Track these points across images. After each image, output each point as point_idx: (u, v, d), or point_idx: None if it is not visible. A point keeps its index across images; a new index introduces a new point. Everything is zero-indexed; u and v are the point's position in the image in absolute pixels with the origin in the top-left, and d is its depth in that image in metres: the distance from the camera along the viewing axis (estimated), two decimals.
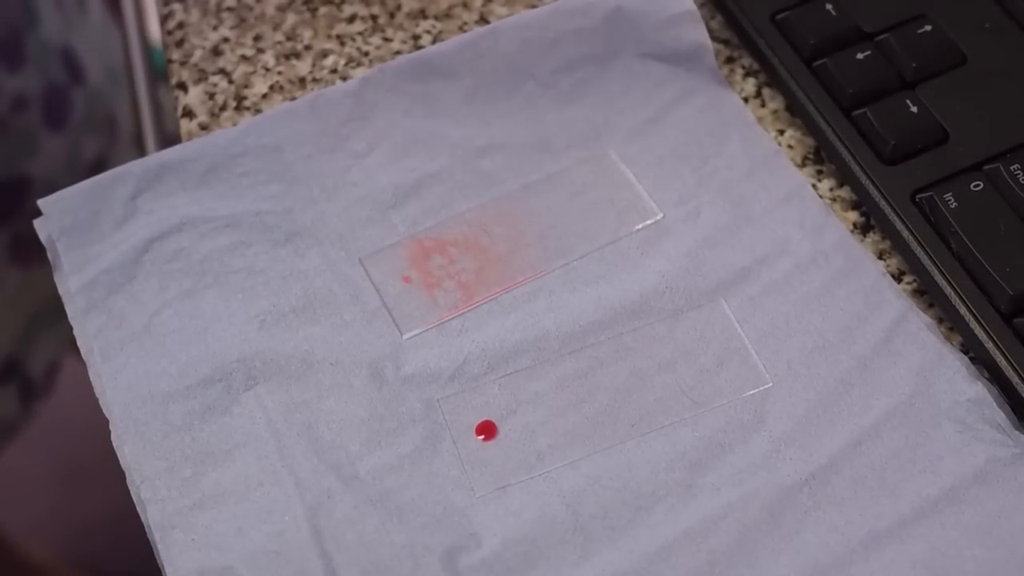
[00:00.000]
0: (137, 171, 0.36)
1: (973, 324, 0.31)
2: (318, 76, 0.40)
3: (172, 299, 0.34)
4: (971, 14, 0.37)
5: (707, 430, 0.31)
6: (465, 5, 0.42)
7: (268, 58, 0.41)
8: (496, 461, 0.31)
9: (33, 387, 0.68)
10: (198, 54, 0.41)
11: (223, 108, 0.40)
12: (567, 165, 0.36)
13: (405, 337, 0.33)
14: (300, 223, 0.36)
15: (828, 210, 0.35)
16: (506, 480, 0.30)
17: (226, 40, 0.42)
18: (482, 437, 0.31)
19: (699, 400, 0.32)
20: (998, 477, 0.29)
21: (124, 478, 0.32)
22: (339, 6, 0.42)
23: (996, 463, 0.30)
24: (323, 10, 0.42)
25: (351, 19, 0.42)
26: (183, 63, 0.41)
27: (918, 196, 0.34)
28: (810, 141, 0.37)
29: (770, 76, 0.38)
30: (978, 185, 0.33)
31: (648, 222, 0.35)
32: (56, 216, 0.35)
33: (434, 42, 0.41)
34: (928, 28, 0.36)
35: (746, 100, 0.38)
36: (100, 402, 0.33)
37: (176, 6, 0.43)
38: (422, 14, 0.42)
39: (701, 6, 0.40)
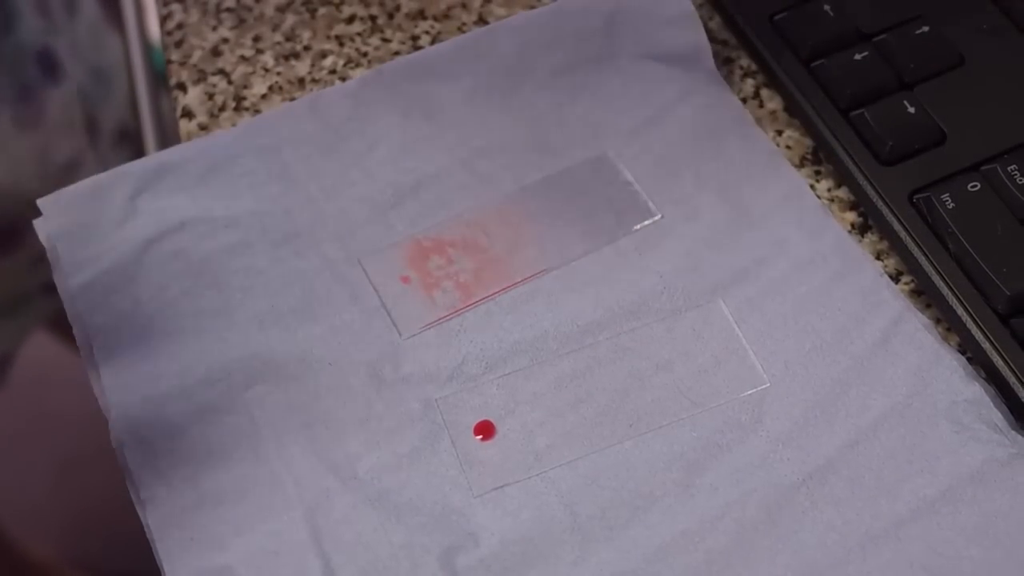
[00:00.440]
0: (137, 171, 0.36)
1: (970, 324, 0.31)
2: (317, 77, 0.40)
3: (172, 299, 0.34)
4: (969, 15, 0.37)
5: (705, 430, 0.31)
6: (464, 6, 0.42)
7: (267, 59, 0.41)
8: (494, 461, 0.31)
9: None
10: (197, 55, 0.41)
11: (222, 108, 0.40)
12: (566, 166, 0.37)
13: (404, 337, 0.33)
14: (299, 223, 0.36)
15: (826, 210, 0.35)
16: (504, 480, 0.31)
17: (225, 41, 0.42)
18: (480, 437, 0.31)
19: (697, 400, 0.32)
20: (995, 477, 0.29)
21: (123, 478, 0.32)
22: (338, 7, 0.42)
23: (993, 463, 0.30)
24: (322, 11, 0.42)
25: (350, 20, 0.42)
26: (182, 63, 0.41)
27: (916, 196, 0.34)
28: (808, 142, 0.38)
29: (768, 77, 0.38)
30: (975, 185, 0.33)
31: (646, 222, 0.35)
32: (56, 216, 0.36)
33: (433, 43, 0.41)
34: (926, 29, 0.36)
35: (744, 101, 0.39)
36: (100, 402, 0.33)
37: (175, 7, 0.43)
38: (421, 15, 0.42)
39: (699, 7, 0.40)
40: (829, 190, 0.36)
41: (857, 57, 0.36)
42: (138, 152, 0.65)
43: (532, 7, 0.41)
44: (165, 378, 0.33)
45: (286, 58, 0.41)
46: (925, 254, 0.33)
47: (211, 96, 0.40)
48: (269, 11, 0.42)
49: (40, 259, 0.37)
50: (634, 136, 0.37)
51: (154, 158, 0.37)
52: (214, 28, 0.42)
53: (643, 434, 0.31)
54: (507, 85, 0.38)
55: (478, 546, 0.30)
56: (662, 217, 0.35)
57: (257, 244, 0.35)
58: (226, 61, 0.41)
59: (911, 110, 0.35)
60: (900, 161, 0.34)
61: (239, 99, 0.40)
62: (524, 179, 0.36)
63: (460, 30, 0.41)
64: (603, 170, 0.36)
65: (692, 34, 0.38)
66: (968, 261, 0.32)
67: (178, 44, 0.42)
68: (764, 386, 0.32)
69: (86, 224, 0.35)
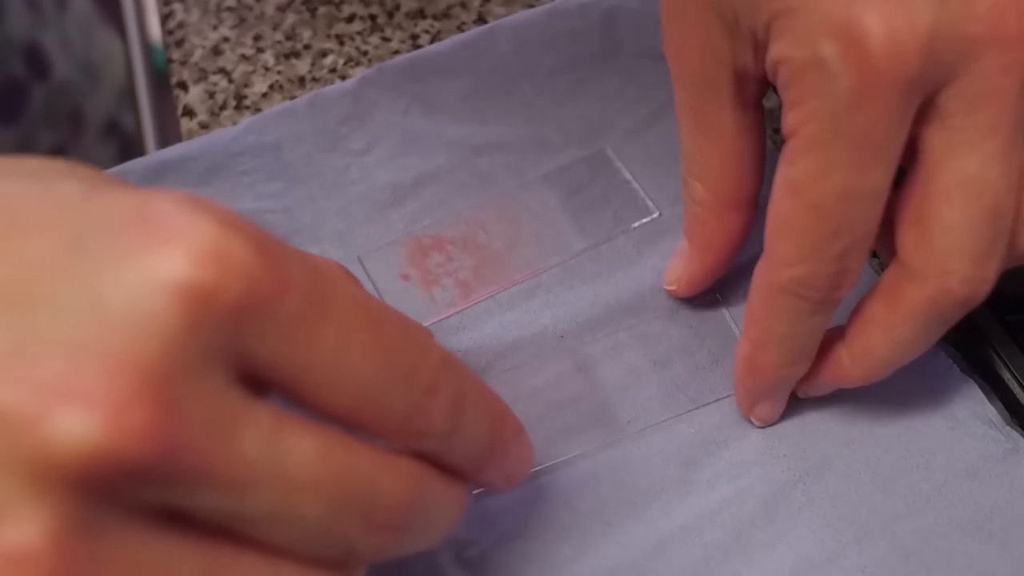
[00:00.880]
0: (138, 170, 0.37)
1: (966, 321, 0.32)
2: (317, 75, 0.41)
3: None
4: None
5: (702, 426, 0.31)
6: (463, 5, 0.42)
7: (268, 57, 0.41)
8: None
9: None
10: (198, 53, 0.42)
11: (223, 107, 0.40)
12: (564, 163, 0.37)
13: None
14: (299, 221, 0.36)
15: None
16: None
17: (226, 40, 0.42)
18: None
19: (694, 397, 0.32)
20: (990, 472, 0.30)
21: None
22: (338, 6, 0.43)
23: (988, 458, 0.30)
24: (322, 10, 0.42)
25: (350, 19, 0.42)
26: (183, 62, 0.42)
27: None
28: None
29: None
30: None
31: (645, 220, 0.36)
32: None
33: (432, 42, 0.41)
34: None
35: None
36: None
37: (176, 6, 0.43)
38: (421, 14, 0.42)
39: None
40: None
41: None
42: (126, 146, 0.65)
43: (531, 6, 0.41)
44: None
45: (286, 57, 0.41)
46: None
47: (212, 95, 0.40)
48: (270, 10, 0.43)
49: None
50: (632, 134, 0.37)
51: (155, 157, 0.37)
52: (215, 27, 0.42)
53: (641, 430, 0.31)
54: (506, 84, 0.38)
55: (477, 541, 0.30)
56: (660, 215, 0.36)
57: None
58: (227, 60, 0.41)
59: None
60: None
61: (240, 98, 0.40)
62: (523, 177, 0.37)
63: (459, 29, 0.42)
64: (602, 168, 0.37)
65: None
66: None
67: (179, 43, 0.42)
68: None
69: None
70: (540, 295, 0.34)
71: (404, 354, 0.22)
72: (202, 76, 0.41)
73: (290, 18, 0.42)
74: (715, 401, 0.32)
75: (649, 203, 0.36)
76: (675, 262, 0.33)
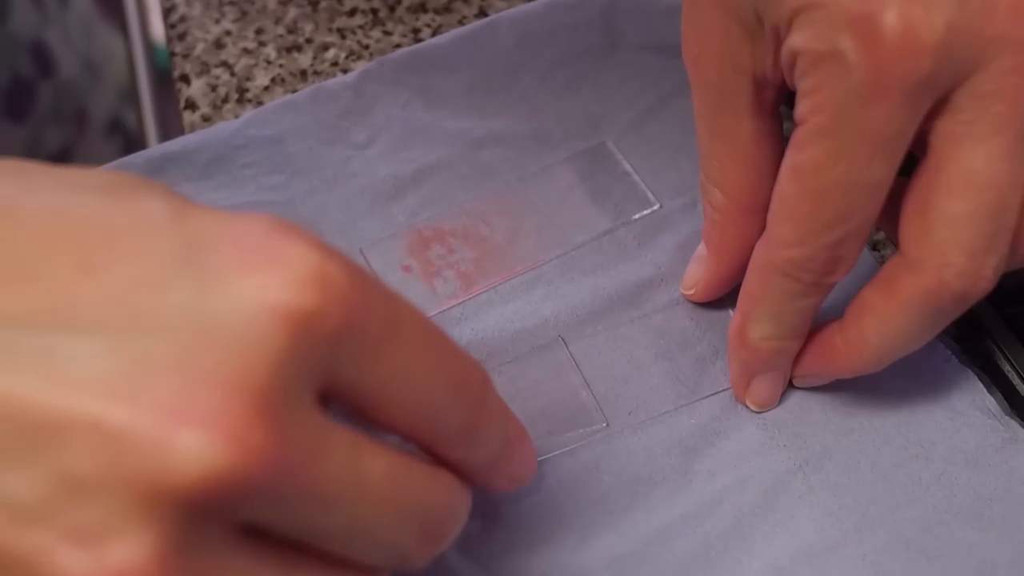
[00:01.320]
0: (139, 162, 0.37)
1: (965, 313, 0.32)
2: (319, 69, 0.41)
3: None
4: None
5: (703, 417, 0.31)
6: None
7: (270, 51, 0.41)
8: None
9: None
10: (200, 47, 0.42)
11: (225, 100, 0.40)
12: (565, 156, 0.37)
13: None
14: (301, 214, 0.36)
15: None
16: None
17: (228, 33, 0.42)
18: None
19: (695, 389, 0.32)
20: (989, 461, 0.30)
21: None
22: (339, 0, 0.43)
23: (987, 448, 0.30)
24: (324, 4, 0.43)
25: (352, 13, 0.42)
26: (185, 56, 0.42)
27: None
28: None
29: None
30: None
31: (645, 212, 0.36)
32: None
33: (433, 35, 0.41)
34: None
35: None
36: None
37: (178, 0, 0.44)
38: (422, 8, 0.42)
39: None
40: None
41: None
42: (129, 143, 0.65)
43: None
44: None
45: (288, 50, 0.41)
46: None
47: (214, 88, 0.41)
48: (271, 4, 0.43)
49: None
50: (633, 126, 0.37)
51: (157, 149, 0.37)
52: (217, 21, 0.43)
53: (642, 421, 0.31)
54: (507, 77, 0.38)
55: (480, 531, 0.30)
56: (661, 207, 0.36)
57: None
58: (229, 53, 0.41)
59: None
60: None
61: (242, 91, 0.40)
62: (524, 169, 0.37)
63: (460, 23, 0.42)
64: (602, 160, 0.37)
65: None
66: None
67: (181, 37, 0.42)
68: None
69: None
70: (541, 287, 0.34)
71: (459, 370, 0.23)
72: (204, 69, 0.41)
73: (292, 12, 0.42)
74: (716, 393, 0.32)
75: (650, 195, 0.36)
76: (693, 267, 0.33)
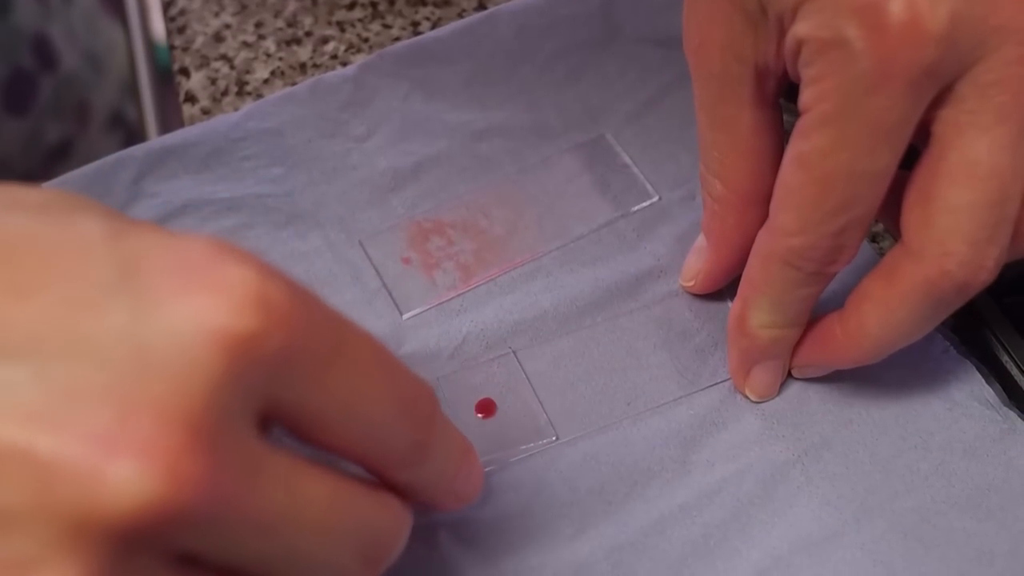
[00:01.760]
0: (140, 155, 0.37)
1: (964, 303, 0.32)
2: (318, 62, 0.41)
3: None
4: None
5: (701, 408, 0.32)
6: None
7: (269, 44, 0.41)
8: (495, 438, 0.31)
9: None
10: (200, 40, 0.42)
11: (225, 93, 0.40)
12: (564, 148, 0.37)
13: (405, 317, 0.34)
14: (301, 206, 0.36)
15: None
16: (504, 457, 0.31)
17: (228, 26, 0.42)
18: (481, 415, 0.32)
19: (694, 379, 0.32)
20: (987, 452, 0.30)
21: None
22: None
23: (985, 438, 0.30)
24: None
25: (351, 6, 0.42)
26: (185, 49, 0.42)
27: None
28: None
29: None
30: None
31: (644, 204, 0.36)
32: None
33: (433, 28, 0.41)
34: None
35: None
36: None
37: None
38: (421, 1, 0.42)
39: None
40: None
41: None
42: (131, 137, 0.65)
43: None
44: None
45: (288, 44, 0.41)
46: None
47: (214, 81, 0.41)
48: None
49: None
50: (632, 118, 0.37)
51: (157, 142, 0.37)
52: (216, 14, 0.43)
53: (641, 412, 0.32)
54: (506, 69, 0.39)
55: (479, 520, 0.30)
56: (660, 199, 0.36)
57: (259, 226, 0.36)
58: (228, 47, 0.42)
59: None
60: None
61: (241, 84, 0.40)
62: (523, 161, 0.37)
63: (460, 16, 0.42)
64: (601, 152, 0.37)
65: None
66: None
67: (181, 30, 0.42)
68: None
69: None
70: (541, 278, 0.34)
71: (406, 392, 0.22)
72: (204, 62, 0.41)
73: (291, 5, 0.43)
74: (715, 384, 0.32)
75: (649, 187, 0.36)
76: (692, 259, 0.33)
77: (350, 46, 0.41)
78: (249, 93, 0.40)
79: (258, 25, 0.42)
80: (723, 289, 0.33)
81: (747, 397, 0.31)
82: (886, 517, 0.29)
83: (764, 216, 0.29)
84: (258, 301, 0.19)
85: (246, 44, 0.42)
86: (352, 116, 0.38)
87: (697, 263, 0.33)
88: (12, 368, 0.18)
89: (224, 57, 0.41)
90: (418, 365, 0.33)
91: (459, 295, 0.34)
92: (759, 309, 0.29)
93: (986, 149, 0.25)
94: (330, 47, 0.41)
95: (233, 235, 0.35)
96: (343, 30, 0.42)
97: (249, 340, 0.19)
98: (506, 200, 0.36)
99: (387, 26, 0.42)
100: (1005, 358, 0.31)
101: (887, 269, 0.27)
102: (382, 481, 0.23)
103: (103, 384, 0.18)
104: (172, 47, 0.42)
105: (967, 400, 0.31)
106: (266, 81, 0.40)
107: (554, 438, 0.31)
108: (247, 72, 0.41)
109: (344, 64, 0.41)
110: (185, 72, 0.41)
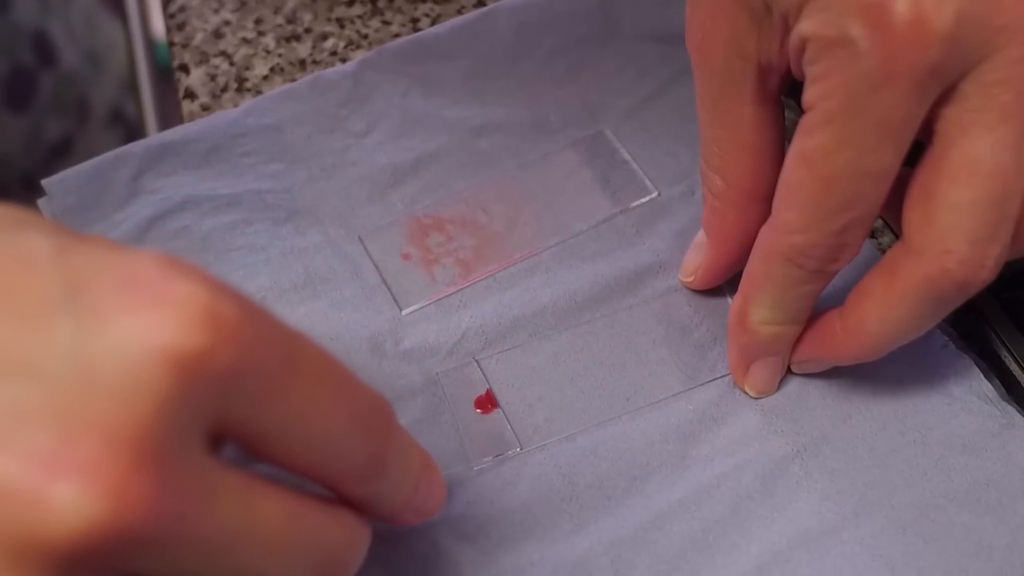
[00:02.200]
0: (139, 151, 0.37)
1: None
2: (318, 58, 0.41)
3: None
4: None
5: (700, 403, 0.32)
6: None
7: (269, 40, 0.41)
8: (494, 434, 0.31)
9: None
10: (200, 36, 0.42)
11: (224, 89, 0.40)
12: (563, 144, 0.37)
13: (404, 313, 0.34)
14: (300, 202, 0.36)
15: None
16: (503, 452, 0.31)
17: (227, 23, 0.42)
18: (480, 410, 0.32)
19: (693, 375, 0.32)
20: (986, 446, 0.30)
21: None
22: None
23: (984, 433, 0.30)
24: None
25: (351, 2, 0.42)
26: (185, 46, 0.42)
27: None
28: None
29: None
30: None
31: (643, 200, 0.36)
32: (60, 196, 0.36)
33: (432, 24, 0.41)
34: None
35: None
36: None
37: None
38: None
39: None
40: None
41: None
42: (130, 134, 0.66)
43: None
44: None
45: (287, 40, 0.41)
46: None
47: (213, 77, 0.41)
48: None
49: None
50: (631, 114, 0.37)
51: (157, 138, 0.37)
52: (216, 10, 0.43)
53: (640, 407, 0.32)
54: (505, 65, 0.39)
55: (478, 515, 0.30)
56: (659, 195, 0.36)
57: (259, 222, 0.36)
58: (228, 43, 0.42)
59: None
60: None
61: (241, 80, 0.40)
62: (522, 158, 0.37)
63: (459, 12, 0.42)
64: (600, 148, 0.37)
65: None
66: None
67: (180, 27, 0.42)
68: None
69: (90, 204, 0.36)
70: (540, 274, 0.34)
71: (361, 406, 0.22)
72: (203, 59, 0.41)
73: (291, 2, 0.43)
74: (714, 379, 0.32)
75: (648, 183, 0.36)
76: (691, 254, 0.33)
77: (349, 42, 0.41)
78: (248, 89, 0.40)
79: (258, 21, 0.42)
80: (723, 285, 0.33)
81: (746, 393, 0.31)
82: (885, 512, 0.29)
83: (764, 213, 0.29)
84: (207, 317, 0.19)
85: (245, 40, 0.42)
86: (351, 112, 0.38)
87: (696, 259, 0.33)
88: None
89: (223, 53, 0.41)
90: (417, 360, 0.33)
91: (458, 291, 0.34)
92: (760, 305, 0.29)
93: (989, 148, 0.25)
94: (329, 43, 0.41)
95: (232, 231, 0.35)
96: (342, 26, 0.42)
97: (198, 357, 0.18)
98: (505, 196, 0.36)
99: (386, 22, 0.42)
100: (1004, 353, 0.31)
101: (888, 266, 0.27)
102: (339, 496, 0.23)
103: (46, 404, 0.18)
104: (171, 44, 0.42)
105: (966, 395, 0.31)
106: (265, 77, 0.40)
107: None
108: (247, 68, 0.41)
109: (343, 60, 0.41)
110: (184, 68, 0.41)
